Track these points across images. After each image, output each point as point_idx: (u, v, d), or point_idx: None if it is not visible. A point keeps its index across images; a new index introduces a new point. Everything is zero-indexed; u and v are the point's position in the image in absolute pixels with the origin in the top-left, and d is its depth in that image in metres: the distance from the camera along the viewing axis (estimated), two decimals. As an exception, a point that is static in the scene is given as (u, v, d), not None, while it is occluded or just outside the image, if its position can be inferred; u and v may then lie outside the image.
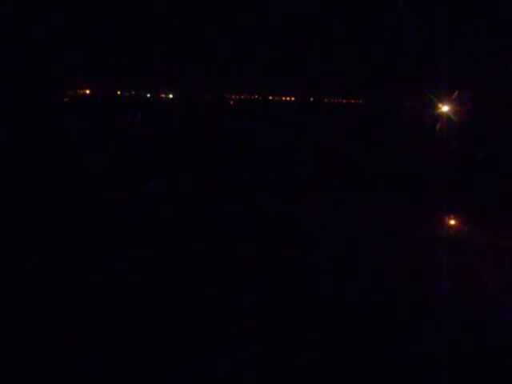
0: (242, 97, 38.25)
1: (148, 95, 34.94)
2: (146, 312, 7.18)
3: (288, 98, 38.28)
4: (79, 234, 9.99)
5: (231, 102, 40.07)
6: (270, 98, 38.71)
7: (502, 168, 15.22)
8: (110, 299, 7.52)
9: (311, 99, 37.20)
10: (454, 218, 11.68)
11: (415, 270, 9.21)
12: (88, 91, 31.68)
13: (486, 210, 11.96)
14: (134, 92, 33.29)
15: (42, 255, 8.94)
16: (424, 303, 8.02)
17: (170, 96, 35.73)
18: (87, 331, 6.63)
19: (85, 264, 8.84)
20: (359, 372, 6.14)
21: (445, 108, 24.67)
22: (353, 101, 36.28)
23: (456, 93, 24.13)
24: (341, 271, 9.15)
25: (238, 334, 6.61)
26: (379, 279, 8.76)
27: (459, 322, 7.34)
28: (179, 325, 7.06)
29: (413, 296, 8.26)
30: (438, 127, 23.69)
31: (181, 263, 9.03)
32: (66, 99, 26.24)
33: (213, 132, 23.70)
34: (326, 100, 36.33)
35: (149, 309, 7.34)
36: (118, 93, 32.74)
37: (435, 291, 8.38)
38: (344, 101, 36.61)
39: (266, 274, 8.74)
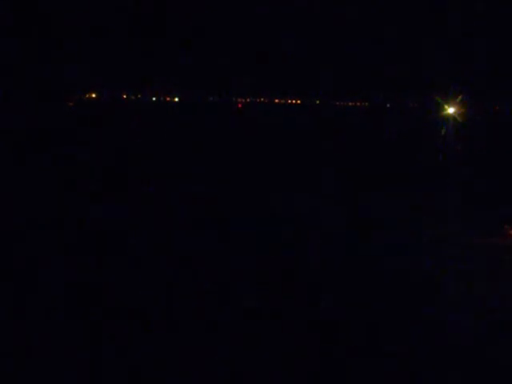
0: (248, 100, 38.31)
1: (154, 99, 35.10)
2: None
3: (294, 101, 38.34)
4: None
5: (239, 105, 40.17)
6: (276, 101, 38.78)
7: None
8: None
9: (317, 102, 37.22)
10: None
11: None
12: (94, 95, 31.88)
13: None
14: (139, 95, 33.47)
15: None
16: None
17: (176, 99, 35.86)
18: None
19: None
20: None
21: (450, 110, 24.54)
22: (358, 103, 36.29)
23: (460, 96, 23.99)
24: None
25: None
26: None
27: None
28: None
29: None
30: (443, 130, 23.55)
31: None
32: (70, 104, 26.41)
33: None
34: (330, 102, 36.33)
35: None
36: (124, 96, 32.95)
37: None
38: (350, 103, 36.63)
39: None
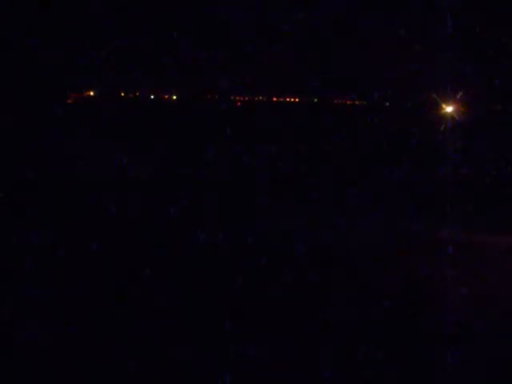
0: (247, 98, 38.28)
1: (152, 96, 34.99)
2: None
3: (292, 100, 38.27)
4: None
5: (238, 104, 40.04)
6: (274, 99, 38.74)
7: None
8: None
9: (315, 100, 37.16)
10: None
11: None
12: (92, 93, 31.75)
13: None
14: (137, 93, 33.35)
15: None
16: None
17: (174, 97, 35.77)
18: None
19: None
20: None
21: (448, 109, 24.44)
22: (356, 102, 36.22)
23: (460, 93, 23.87)
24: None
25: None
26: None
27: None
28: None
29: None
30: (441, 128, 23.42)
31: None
32: (69, 101, 26.24)
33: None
34: (328, 101, 36.23)
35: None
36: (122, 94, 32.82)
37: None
38: (348, 102, 36.55)
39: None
